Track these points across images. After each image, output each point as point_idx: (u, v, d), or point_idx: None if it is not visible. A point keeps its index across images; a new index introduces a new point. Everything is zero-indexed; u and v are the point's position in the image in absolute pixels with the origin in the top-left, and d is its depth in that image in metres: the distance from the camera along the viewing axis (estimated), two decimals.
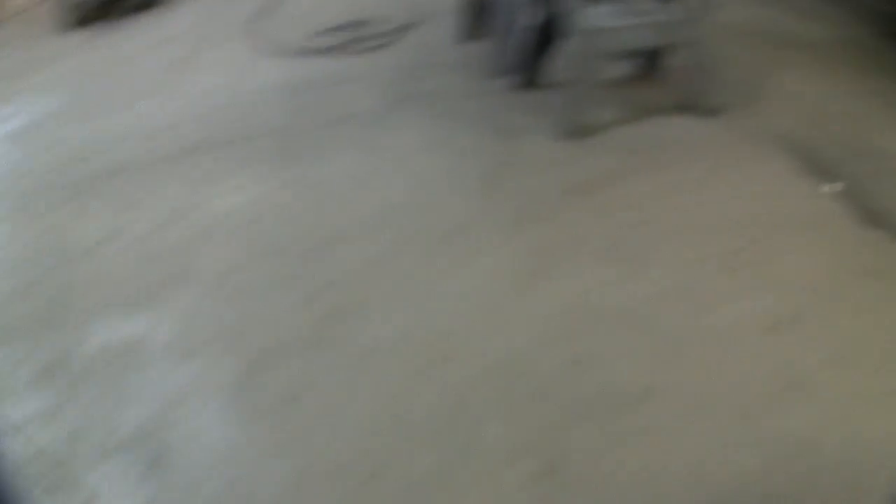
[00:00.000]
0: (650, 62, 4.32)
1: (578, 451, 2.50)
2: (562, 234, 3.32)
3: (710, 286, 3.08)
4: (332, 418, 2.64)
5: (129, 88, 4.66)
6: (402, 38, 4.91)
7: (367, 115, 4.16)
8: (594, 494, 2.38)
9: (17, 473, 2.16)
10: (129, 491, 2.46)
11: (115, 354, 2.88)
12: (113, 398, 2.73)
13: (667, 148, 3.84)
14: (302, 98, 4.41)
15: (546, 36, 3.96)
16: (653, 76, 4.34)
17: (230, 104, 4.38)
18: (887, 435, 2.54)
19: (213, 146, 4.02)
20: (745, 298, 3.03)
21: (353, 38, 4.90)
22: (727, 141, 3.92)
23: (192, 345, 2.93)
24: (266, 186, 3.67)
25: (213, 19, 5.41)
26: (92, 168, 3.93)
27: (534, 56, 4.09)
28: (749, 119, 4.07)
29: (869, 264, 3.18)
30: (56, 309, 3.09)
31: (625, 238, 3.28)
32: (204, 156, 3.95)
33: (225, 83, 4.63)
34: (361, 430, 2.60)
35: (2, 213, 3.69)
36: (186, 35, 5.24)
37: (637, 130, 4.00)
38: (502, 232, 3.32)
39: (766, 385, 2.71)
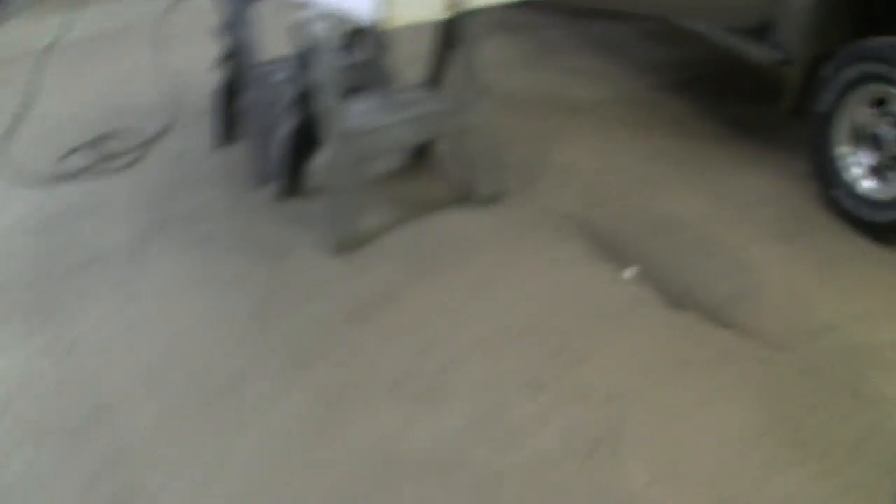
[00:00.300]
0: (420, 153, 3.93)
1: None
2: (347, 370, 2.85)
3: (516, 411, 2.69)
4: None
5: None
6: (155, 150, 4.33)
7: (123, 250, 3.58)
8: None
9: None
10: None
11: None
12: None
13: (448, 249, 3.47)
14: (52, 237, 3.78)
15: (306, 139, 3.49)
16: (424, 167, 3.96)
17: None
18: None
19: None
20: (556, 419, 2.66)
21: (103, 155, 4.28)
22: (512, 232, 3.59)
23: None
24: (20, 354, 3.05)
25: None
26: None
27: (295, 161, 3.61)
28: (532, 203, 3.76)
29: (684, 354, 2.91)
30: None
31: (416, 366, 2.85)
32: None
33: None
34: None
35: None
36: None
37: (414, 232, 3.61)
38: (282, 377, 2.84)
39: None
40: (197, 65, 4.59)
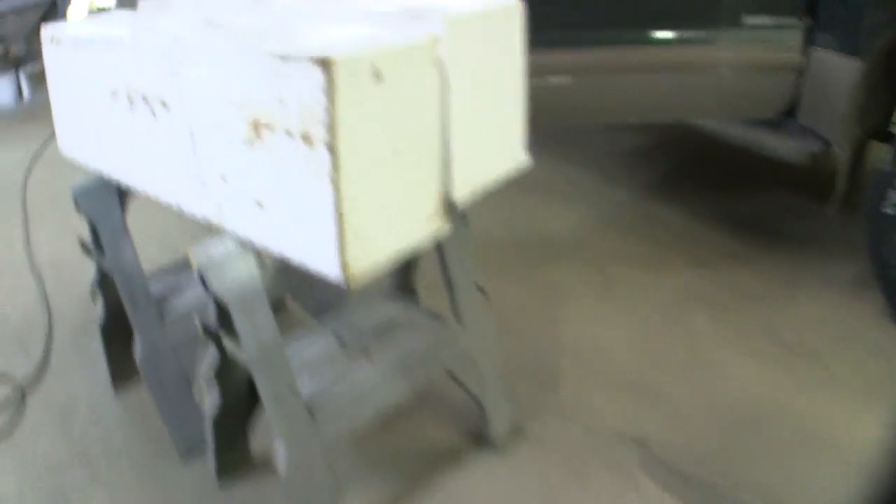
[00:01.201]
0: None
1: None
2: None
3: None
4: None
5: None
6: (34, 400, 2.73)
7: None
8: None
9: None
10: None
11: None
12: None
13: None
14: None
15: (242, 409, 1.98)
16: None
17: None
18: None
19: None
20: None
21: None
22: (558, 484, 2.20)
23: None
24: None
25: None
26: None
27: (231, 440, 2.05)
28: (566, 425, 2.41)
29: None
30: None
31: None
32: None
33: None
34: None
35: None
36: None
37: None
38: None
39: None
40: (68, 246, 3.11)
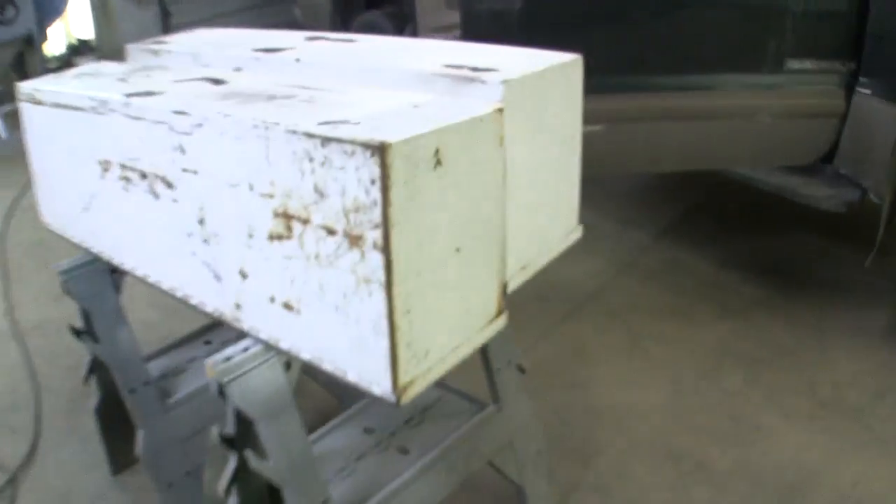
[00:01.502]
0: None
1: None
2: None
3: None
4: None
5: None
6: (26, 488, 2.37)
7: None
8: None
9: None
10: None
11: None
12: None
13: None
14: None
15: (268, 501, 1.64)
16: None
17: None
18: None
19: None
20: None
21: None
22: None
23: None
24: None
25: None
26: None
27: None
28: (612, 502, 2.11)
29: None
30: None
31: None
32: None
33: None
34: None
35: None
36: None
37: None
38: None
39: None
40: (54, 306, 2.91)
